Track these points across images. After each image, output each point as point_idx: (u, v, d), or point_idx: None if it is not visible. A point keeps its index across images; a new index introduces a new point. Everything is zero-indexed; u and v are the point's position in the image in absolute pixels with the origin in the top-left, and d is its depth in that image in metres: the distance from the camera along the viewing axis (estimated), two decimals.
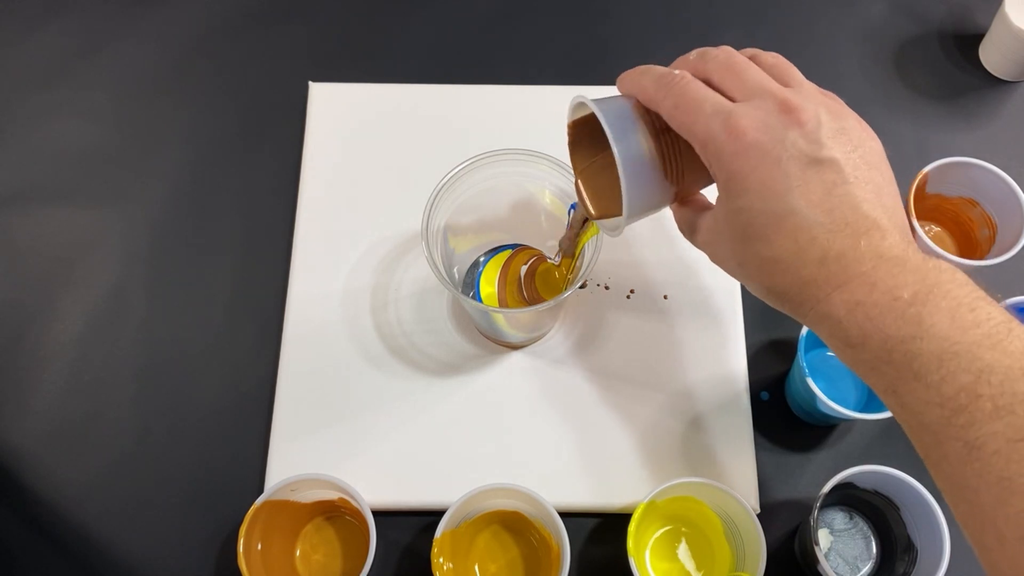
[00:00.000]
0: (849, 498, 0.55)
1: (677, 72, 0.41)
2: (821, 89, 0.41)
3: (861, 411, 0.53)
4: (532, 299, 0.60)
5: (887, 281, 0.36)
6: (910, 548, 0.52)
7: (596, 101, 0.42)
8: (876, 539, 0.56)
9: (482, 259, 0.61)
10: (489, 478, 0.53)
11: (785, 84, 0.40)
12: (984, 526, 0.34)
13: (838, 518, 0.56)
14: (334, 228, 0.65)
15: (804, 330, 0.54)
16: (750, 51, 0.43)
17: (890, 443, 0.60)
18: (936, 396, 0.35)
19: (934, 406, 0.35)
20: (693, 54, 0.42)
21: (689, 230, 0.46)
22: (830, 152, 0.38)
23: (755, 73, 0.40)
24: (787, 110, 0.38)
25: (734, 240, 0.40)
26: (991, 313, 0.35)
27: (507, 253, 0.61)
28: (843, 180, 0.38)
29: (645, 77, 0.41)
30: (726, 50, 0.41)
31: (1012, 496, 0.33)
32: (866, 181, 0.38)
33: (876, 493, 0.54)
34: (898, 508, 0.53)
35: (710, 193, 0.44)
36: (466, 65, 0.73)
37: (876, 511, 0.55)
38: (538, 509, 0.53)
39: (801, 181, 0.37)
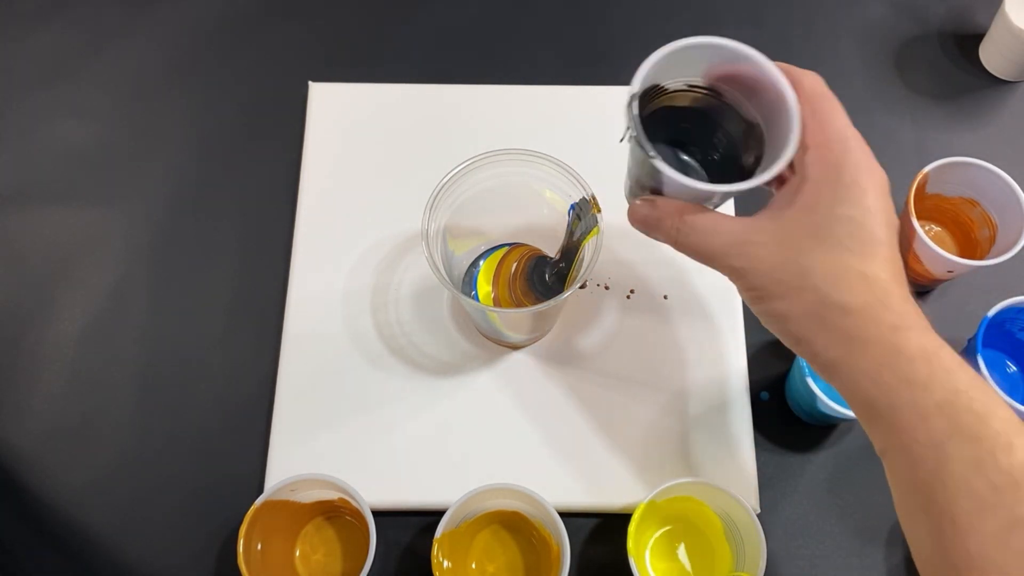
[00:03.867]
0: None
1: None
2: None
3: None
4: (520, 300, 0.60)
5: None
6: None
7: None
8: None
9: (479, 258, 0.61)
10: (489, 478, 0.53)
11: None
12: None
13: None
14: (334, 228, 0.65)
15: None
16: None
17: None
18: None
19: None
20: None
21: (673, 230, 0.45)
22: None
23: None
24: None
25: (805, 232, 0.40)
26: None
27: (502, 251, 0.61)
28: None
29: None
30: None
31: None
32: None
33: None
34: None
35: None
36: (466, 65, 0.73)
37: None
38: (538, 509, 0.53)
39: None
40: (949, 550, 0.36)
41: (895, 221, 0.40)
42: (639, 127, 0.40)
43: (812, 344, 0.39)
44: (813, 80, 0.41)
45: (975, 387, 0.37)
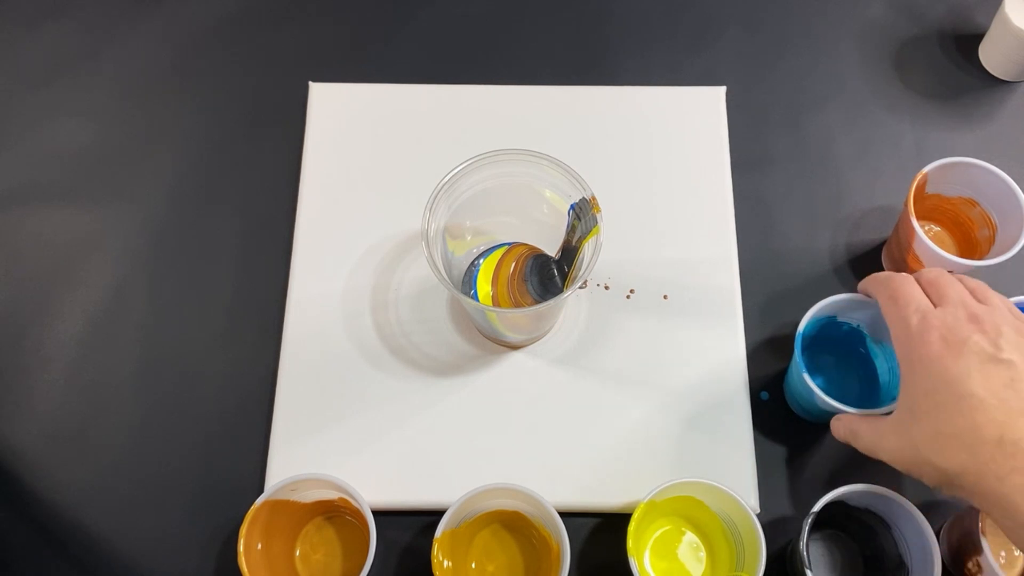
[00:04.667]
0: (840, 516, 0.55)
1: (901, 274, 0.50)
2: (1016, 310, 0.47)
3: (860, 408, 0.53)
4: (519, 300, 0.60)
5: None
6: (901, 567, 0.52)
7: None
8: (864, 560, 0.56)
9: (479, 258, 0.61)
10: (489, 478, 0.53)
11: (981, 303, 0.47)
12: None
13: (827, 539, 0.56)
14: (334, 228, 0.65)
15: (801, 327, 0.54)
16: (958, 275, 0.50)
17: None
18: None
19: None
20: (913, 275, 0.50)
21: (851, 436, 0.51)
22: (1008, 355, 0.43)
23: (956, 290, 0.47)
24: (974, 319, 0.45)
25: (912, 419, 0.45)
26: None
27: (501, 251, 0.61)
28: (1021, 377, 0.43)
29: (877, 279, 0.51)
30: (939, 271, 0.49)
31: None
32: None
33: (867, 511, 0.53)
34: (889, 527, 0.53)
35: None
36: (466, 65, 0.73)
37: (867, 529, 0.54)
38: (538, 509, 0.53)
39: (980, 372, 0.43)
40: None
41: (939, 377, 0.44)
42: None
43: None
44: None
45: None
